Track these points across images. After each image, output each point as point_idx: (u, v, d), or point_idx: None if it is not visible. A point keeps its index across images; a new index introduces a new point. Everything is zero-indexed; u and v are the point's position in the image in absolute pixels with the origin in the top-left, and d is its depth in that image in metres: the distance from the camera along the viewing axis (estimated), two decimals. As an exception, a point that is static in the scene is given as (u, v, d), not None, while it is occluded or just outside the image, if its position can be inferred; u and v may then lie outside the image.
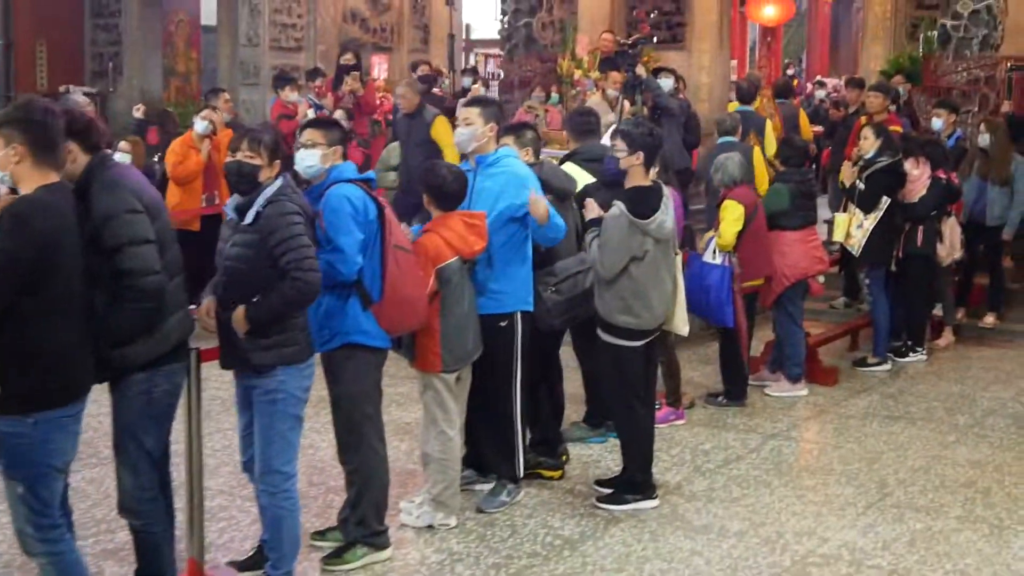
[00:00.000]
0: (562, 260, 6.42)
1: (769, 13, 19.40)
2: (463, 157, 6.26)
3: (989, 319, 10.30)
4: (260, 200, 4.62)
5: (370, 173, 5.50)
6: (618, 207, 6.01)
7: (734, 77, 18.13)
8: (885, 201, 9.07)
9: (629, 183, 6.15)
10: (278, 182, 4.68)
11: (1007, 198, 10.20)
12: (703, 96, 14.42)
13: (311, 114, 11.36)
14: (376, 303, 5.09)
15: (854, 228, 9.21)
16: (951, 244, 9.77)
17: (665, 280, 6.17)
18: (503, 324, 5.87)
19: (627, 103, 11.16)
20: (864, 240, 9.15)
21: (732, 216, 8.08)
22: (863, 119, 11.01)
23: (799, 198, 8.66)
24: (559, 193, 6.62)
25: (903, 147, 9.34)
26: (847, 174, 10.16)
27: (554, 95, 13.93)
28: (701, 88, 14.73)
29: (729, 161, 8.38)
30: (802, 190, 8.71)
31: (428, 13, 17.08)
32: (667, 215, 6.11)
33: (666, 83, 11.50)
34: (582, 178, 6.95)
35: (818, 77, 23.33)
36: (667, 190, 6.24)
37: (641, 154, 6.05)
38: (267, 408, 4.69)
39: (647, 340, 6.09)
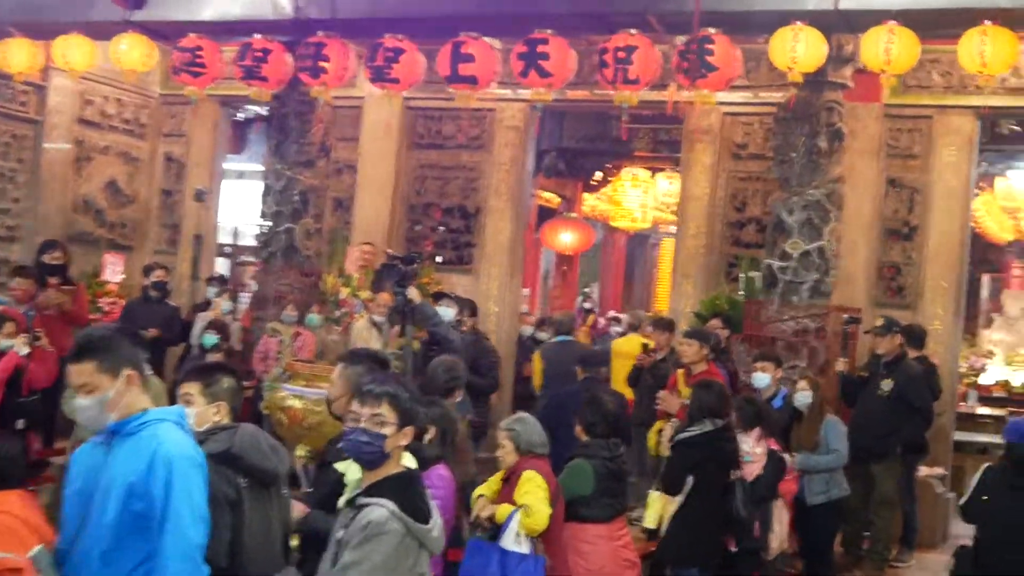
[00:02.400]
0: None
1: (566, 240, 17.76)
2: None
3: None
4: None
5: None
6: (385, 508, 4.03)
7: (525, 307, 16.29)
8: (689, 482, 7.05)
9: (387, 470, 4.20)
10: None
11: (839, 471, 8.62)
12: (491, 327, 12.52)
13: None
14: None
15: (672, 511, 7.13)
16: (779, 533, 7.82)
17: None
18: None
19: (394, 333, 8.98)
20: (665, 529, 7.12)
21: (537, 492, 5.94)
22: (680, 372, 9.07)
23: (606, 480, 6.56)
24: (259, 475, 4.37)
25: (742, 414, 7.40)
26: (656, 440, 8.26)
27: (312, 315, 11.66)
28: (489, 317, 12.85)
29: (527, 424, 6.25)
30: (610, 469, 6.62)
31: (180, 210, 14.71)
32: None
33: (446, 311, 9.37)
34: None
35: (612, 312, 21.78)
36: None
37: (412, 429, 4.27)
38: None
39: None
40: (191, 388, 4.75)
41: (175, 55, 11.47)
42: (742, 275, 11.40)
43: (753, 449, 7.49)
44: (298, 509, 4.92)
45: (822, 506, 8.53)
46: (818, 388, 8.74)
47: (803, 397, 8.68)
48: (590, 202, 20.10)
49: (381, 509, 4.03)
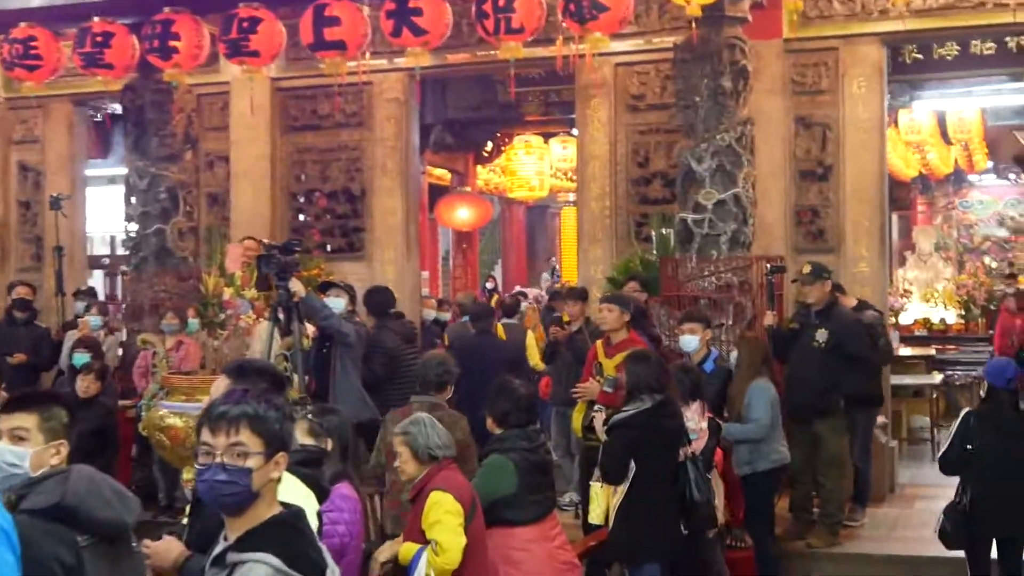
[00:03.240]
0: None
1: (463, 216, 16.84)
2: None
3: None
4: None
5: None
6: (267, 566, 3.07)
7: (426, 291, 15.41)
8: (631, 469, 6.22)
9: (261, 513, 3.22)
10: None
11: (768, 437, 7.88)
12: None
13: None
14: None
15: (615, 505, 6.29)
16: (720, 506, 7.08)
17: None
18: None
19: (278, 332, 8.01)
20: (611, 523, 6.27)
21: (448, 519, 5.05)
22: (599, 343, 8.24)
23: (529, 474, 5.70)
24: (102, 530, 3.44)
25: (680, 386, 6.59)
26: (581, 421, 7.46)
27: (193, 321, 10.63)
28: None
29: (423, 426, 5.36)
30: (532, 461, 5.75)
31: (41, 222, 13.54)
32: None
33: (337, 302, 8.43)
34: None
35: (517, 287, 21.00)
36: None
37: (284, 456, 3.28)
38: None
39: None
40: (26, 421, 3.81)
41: (4, 48, 10.29)
42: (654, 233, 10.59)
43: (699, 424, 6.68)
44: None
45: (751, 476, 7.79)
46: (743, 347, 7.98)
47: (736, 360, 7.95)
48: (484, 176, 19.27)
49: (261, 567, 3.07)
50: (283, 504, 3.28)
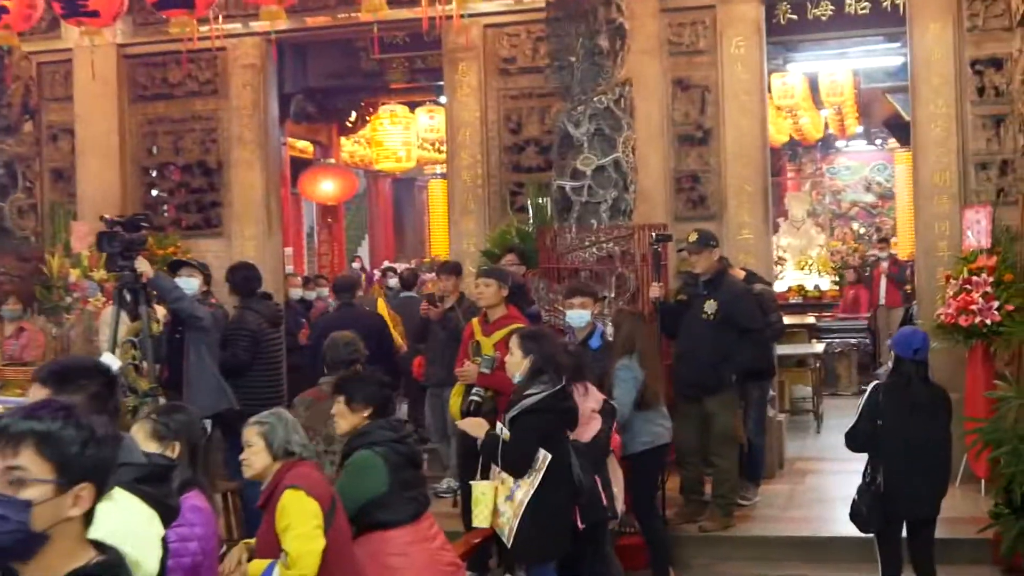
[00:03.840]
0: None
1: (327, 189, 16.10)
2: None
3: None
4: None
5: None
6: None
7: (290, 268, 14.70)
8: (544, 458, 5.67)
9: (58, 562, 2.46)
10: None
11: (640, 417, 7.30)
12: None
13: None
14: None
15: (502, 502, 5.71)
16: (619, 495, 6.61)
17: None
18: None
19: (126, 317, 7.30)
20: (517, 521, 5.66)
21: (302, 520, 4.42)
22: (475, 321, 7.70)
23: (401, 470, 5.11)
24: None
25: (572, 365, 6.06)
26: (459, 403, 6.96)
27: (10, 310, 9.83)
28: None
29: (285, 420, 4.74)
30: (402, 454, 5.16)
31: None
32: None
33: (189, 283, 7.72)
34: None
35: (386, 263, 20.35)
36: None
37: (89, 488, 2.49)
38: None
39: None
40: None
41: None
42: (530, 203, 10.06)
43: (586, 405, 6.15)
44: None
45: (628, 458, 7.28)
46: (622, 323, 7.49)
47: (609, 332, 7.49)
48: (348, 148, 18.55)
49: None
50: (98, 546, 2.54)
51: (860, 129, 21.35)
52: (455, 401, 7.64)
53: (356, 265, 19.46)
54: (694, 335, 8.23)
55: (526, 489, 5.59)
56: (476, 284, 7.73)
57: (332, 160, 17.10)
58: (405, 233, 26.23)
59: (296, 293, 12.78)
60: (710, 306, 8.20)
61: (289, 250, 15.57)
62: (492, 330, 7.53)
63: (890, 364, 6.51)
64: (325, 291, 13.06)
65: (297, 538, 4.49)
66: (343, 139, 17.93)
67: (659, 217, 10.11)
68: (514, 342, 5.88)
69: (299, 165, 16.92)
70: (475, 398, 6.67)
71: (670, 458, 8.11)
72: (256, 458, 4.75)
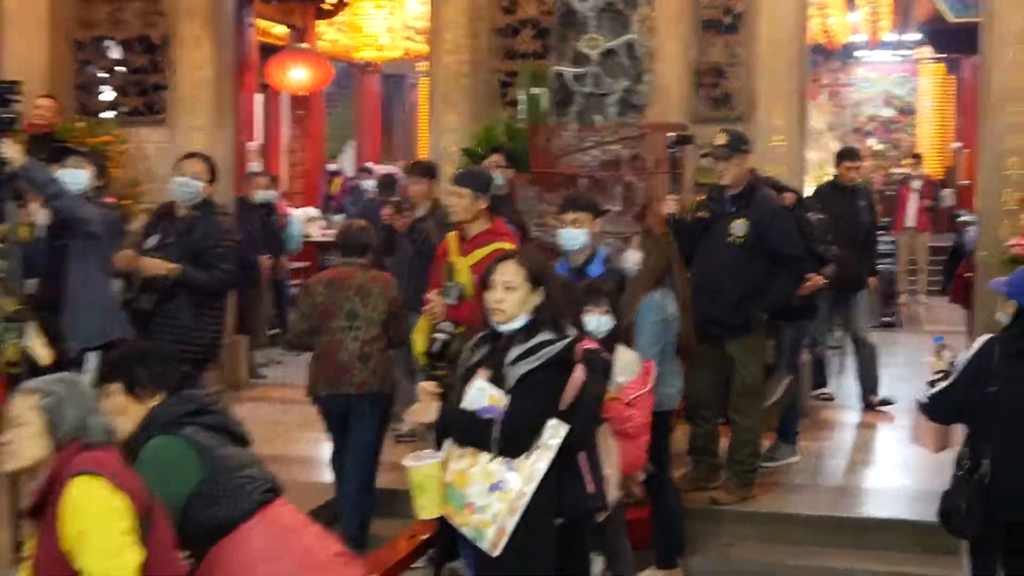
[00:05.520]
0: None
1: (298, 78, 14.38)
2: None
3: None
4: None
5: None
6: None
7: (256, 166, 13.12)
8: (556, 430, 4.09)
9: None
10: None
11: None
12: None
13: None
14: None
15: (481, 492, 4.07)
16: (613, 477, 5.04)
17: None
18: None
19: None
20: (514, 521, 4.03)
21: (103, 523, 2.91)
22: (451, 236, 6.14)
23: (217, 450, 3.59)
24: None
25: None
26: (423, 341, 5.52)
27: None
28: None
29: (79, 391, 3.19)
30: (213, 427, 3.62)
31: None
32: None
33: (76, 175, 6.11)
34: None
35: (367, 164, 18.76)
36: None
37: None
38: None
39: None
40: None
41: None
42: (522, 95, 8.39)
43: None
44: None
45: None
46: (658, 246, 5.93)
47: (633, 261, 5.91)
48: (330, 35, 16.83)
49: None
50: None
51: (888, 37, 19.69)
52: (419, 339, 6.10)
53: (333, 166, 17.81)
54: (717, 262, 6.62)
55: (528, 475, 3.99)
56: (447, 193, 6.16)
57: (305, 44, 15.34)
58: (395, 135, 24.54)
59: (259, 195, 11.22)
60: (739, 227, 6.58)
61: (253, 144, 13.96)
62: (471, 248, 5.97)
63: (1004, 315, 4.83)
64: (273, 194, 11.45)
65: (98, 551, 2.98)
66: (321, 23, 16.17)
67: (674, 117, 8.51)
68: (512, 269, 4.22)
69: (273, 53, 15.16)
70: (441, 335, 5.05)
71: (678, 408, 6.56)
72: (27, 444, 3.21)
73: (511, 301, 4.13)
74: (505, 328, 4.15)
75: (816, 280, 7.36)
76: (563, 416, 4.22)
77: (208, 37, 10.01)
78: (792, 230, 6.81)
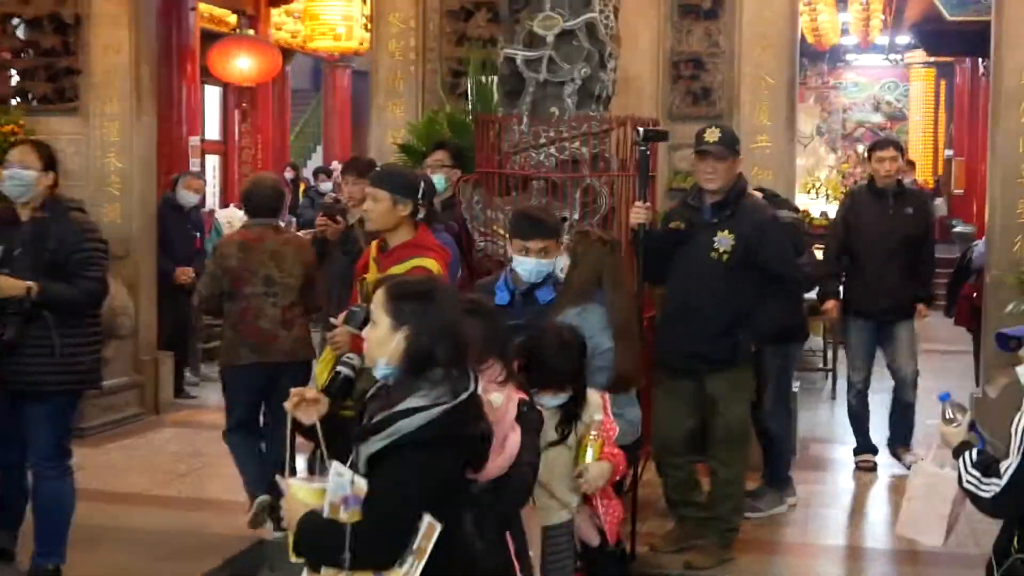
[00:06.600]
0: None
1: (243, 68, 13.29)
2: None
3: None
4: None
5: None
6: None
7: (197, 163, 12.10)
8: (430, 531, 2.92)
9: None
10: None
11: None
12: (115, 191, 8.54)
13: None
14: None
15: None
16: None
17: None
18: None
19: None
20: None
21: None
22: (373, 245, 5.07)
23: None
24: None
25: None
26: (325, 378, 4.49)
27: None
28: (108, 176, 8.79)
29: None
30: None
31: None
32: None
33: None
34: None
35: (330, 164, 17.78)
36: None
37: None
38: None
39: None
40: None
41: None
42: (470, 82, 7.30)
43: (500, 411, 3.39)
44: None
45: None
46: (590, 251, 4.83)
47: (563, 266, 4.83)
48: (290, 26, 15.81)
49: None
50: None
51: (879, 40, 19.00)
52: (322, 372, 5.00)
53: (289, 175, 16.69)
54: (695, 282, 5.51)
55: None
56: (366, 195, 5.06)
57: (251, 31, 14.27)
58: (362, 131, 23.52)
59: (189, 198, 10.04)
60: (723, 240, 5.47)
61: (195, 139, 12.88)
62: (391, 262, 4.86)
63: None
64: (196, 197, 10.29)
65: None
66: (273, 11, 15.14)
67: (646, 113, 7.42)
68: (379, 301, 3.11)
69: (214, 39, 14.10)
70: (343, 369, 3.98)
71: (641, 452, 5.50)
72: None
73: (371, 341, 3.06)
74: (380, 376, 3.08)
75: (833, 305, 6.79)
76: (492, 492, 3.13)
77: (127, 15, 9.05)
78: (786, 244, 5.73)
